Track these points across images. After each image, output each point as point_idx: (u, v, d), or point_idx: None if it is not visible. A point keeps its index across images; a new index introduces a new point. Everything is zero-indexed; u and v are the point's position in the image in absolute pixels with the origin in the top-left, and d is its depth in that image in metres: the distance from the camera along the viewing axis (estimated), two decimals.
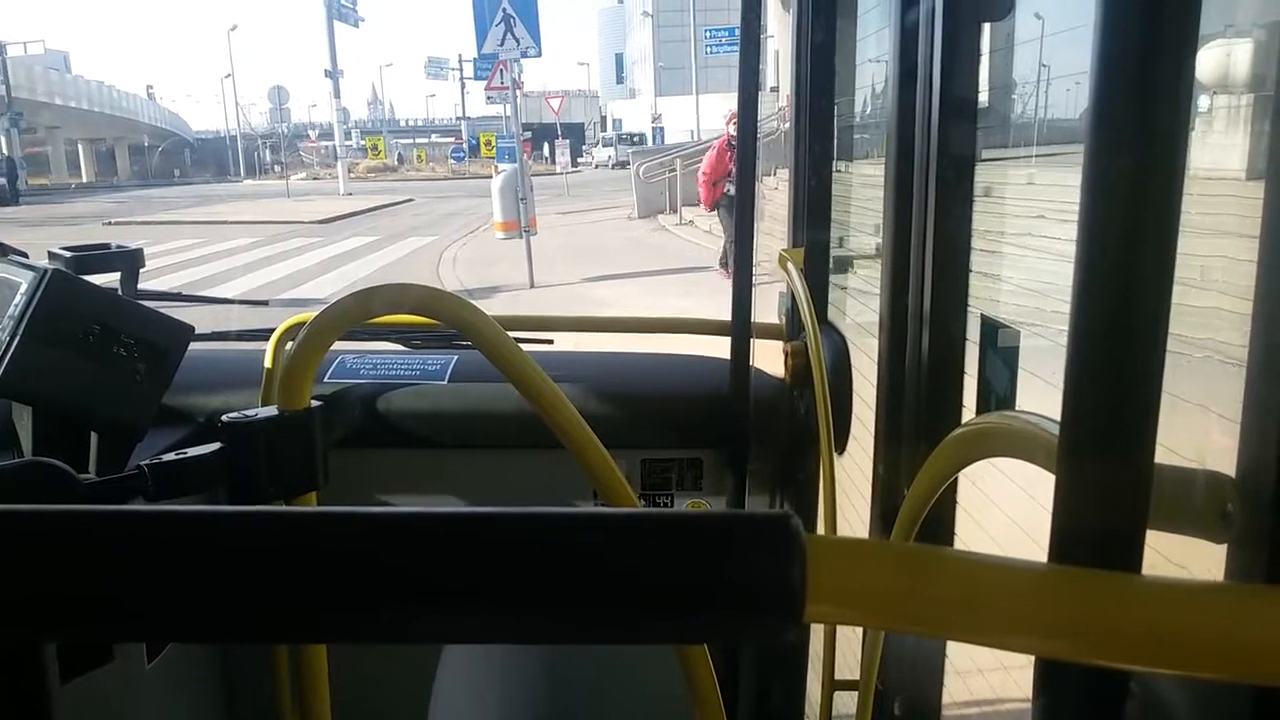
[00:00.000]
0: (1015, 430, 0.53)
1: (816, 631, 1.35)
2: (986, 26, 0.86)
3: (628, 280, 10.14)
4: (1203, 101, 0.82)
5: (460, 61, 36.42)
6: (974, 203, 0.86)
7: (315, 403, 0.83)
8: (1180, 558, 0.45)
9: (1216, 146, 0.85)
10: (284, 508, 0.31)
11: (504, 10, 10.26)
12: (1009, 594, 0.29)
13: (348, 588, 0.29)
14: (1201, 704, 0.40)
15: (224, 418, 0.82)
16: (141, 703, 1.25)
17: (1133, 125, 0.35)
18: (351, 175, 33.37)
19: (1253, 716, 0.36)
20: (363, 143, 45.59)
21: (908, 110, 0.87)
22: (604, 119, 60.12)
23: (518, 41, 10.42)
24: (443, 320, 0.89)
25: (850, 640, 1.23)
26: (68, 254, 1.19)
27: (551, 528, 0.30)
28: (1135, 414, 0.37)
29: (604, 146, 45.41)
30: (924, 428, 0.87)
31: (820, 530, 1.32)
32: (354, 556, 0.29)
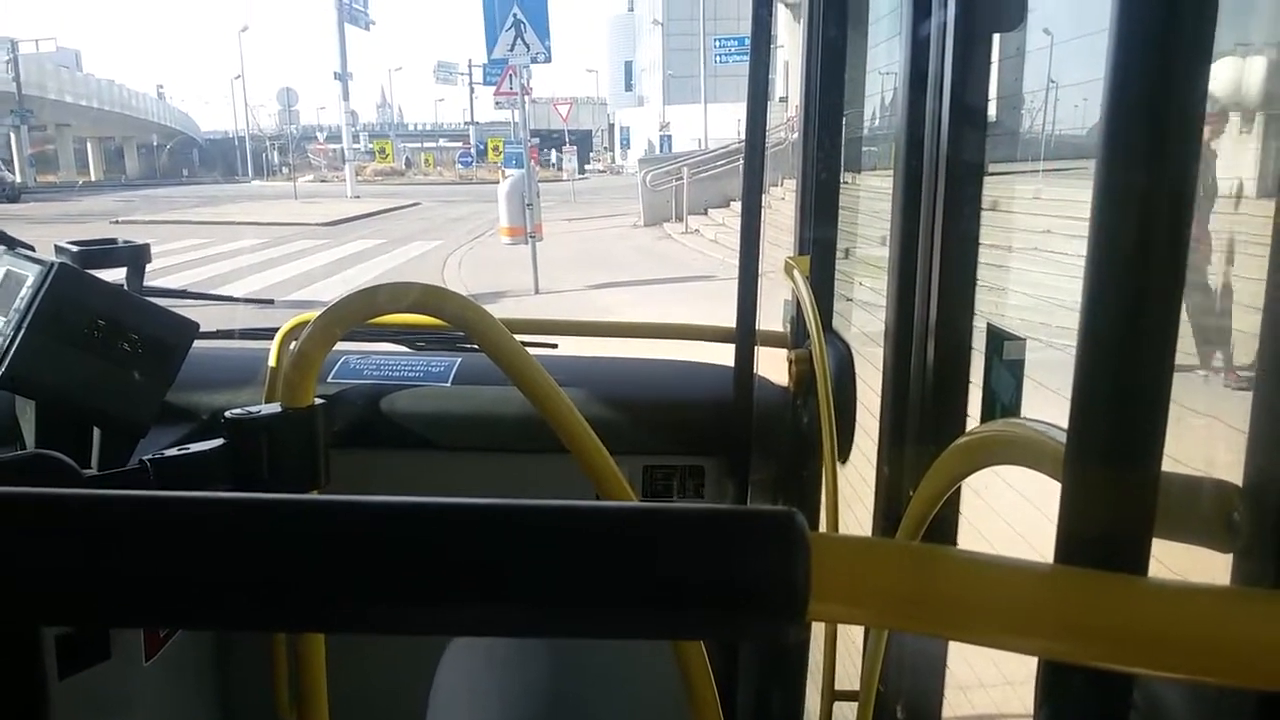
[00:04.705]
0: (1021, 438, 0.53)
1: (816, 641, 1.35)
2: (996, 37, 0.86)
3: (632, 288, 10.15)
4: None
5: (470, 66, 36.53)
6: (981, 213, 0.86)
7: (319, 401, 0.84)
8: (1182, 569, 0.45)
9: (1228, 163, 0.85)
10: (286, 495, 0.31)
11: (515, 15, 10.28)
12: (1015, 594, 0.29)
13: (345, 575, 0.29)
14: (1205, 714, 0.40)
15: (227, 413, 0.82)
16: (139, 700, 1.24)
17: (1145, 138, 0.35)
18: (359, 178, 33.47)
19: None
20: (370, 146, 45.63)
21: (917, 119, 0.87)
22: (611, 126, 60.24)
23: (528, 47, 10.43)
24: (447, 320, 0.89)
25: (850, 652, 1.23)
26: (74, 248, 1.20)
27: (555, 521, 0.30)
28: (1143, 422, 0.37)
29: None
30: (928, 436, 0.87)
31: None
32: (352, 544, 0.29)
